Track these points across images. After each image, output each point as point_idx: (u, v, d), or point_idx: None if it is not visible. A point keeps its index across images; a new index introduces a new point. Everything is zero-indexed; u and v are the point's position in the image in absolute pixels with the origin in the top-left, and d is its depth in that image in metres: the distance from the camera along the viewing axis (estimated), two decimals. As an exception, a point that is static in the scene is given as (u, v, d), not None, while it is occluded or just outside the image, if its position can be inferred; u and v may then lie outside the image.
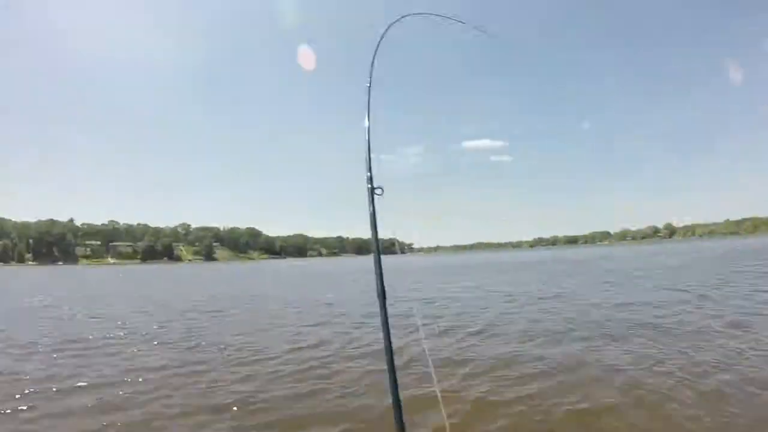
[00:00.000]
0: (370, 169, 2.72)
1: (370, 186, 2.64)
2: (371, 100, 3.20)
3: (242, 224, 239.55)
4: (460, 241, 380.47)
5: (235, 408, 7.15)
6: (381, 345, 9.05)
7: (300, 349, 11.32)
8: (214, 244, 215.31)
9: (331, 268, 76.85)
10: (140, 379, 8.97)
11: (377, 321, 10.56)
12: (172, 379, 8.84)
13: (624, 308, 15.55)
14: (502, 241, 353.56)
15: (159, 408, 7.23)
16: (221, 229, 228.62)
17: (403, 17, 4.04)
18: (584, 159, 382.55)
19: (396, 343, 11.23)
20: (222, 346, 11.85)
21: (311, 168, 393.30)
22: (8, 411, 7.22)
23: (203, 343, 12.55)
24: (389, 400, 6.71)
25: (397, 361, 9.28)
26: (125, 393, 8.03)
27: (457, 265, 68.72)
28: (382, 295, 2.76)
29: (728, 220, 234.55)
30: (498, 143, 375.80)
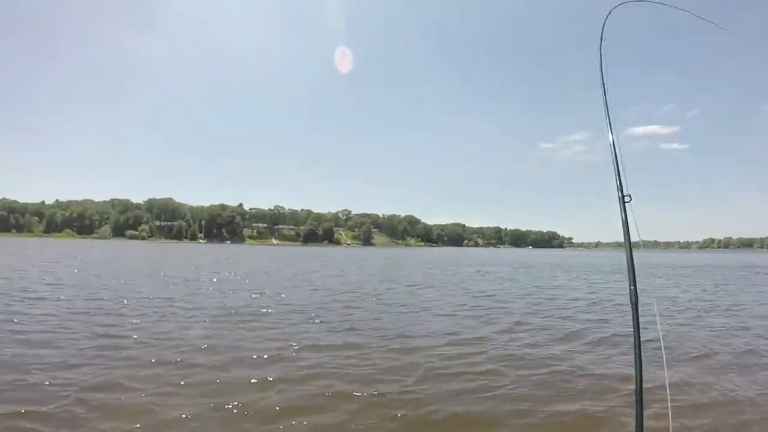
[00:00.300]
0: (619, 178, 2.64)
1: (620, 194, 2.57)
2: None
3: (402, 212, 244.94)
4: (622, 237, 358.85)
5: (389, 399, 7.07)
6: (543, 351, 8.68)
7: (459, 343, 11.06)
8: (373, 229, 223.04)
9: (488, 259, 75.96)
10: (294, 355, 9.31)
11: (538, 321, 10.32)
12: (329, 361, 8.97)
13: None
14: (670, 240, 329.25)
15: (315, 389, 7.30)
16: (381, 215, 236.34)
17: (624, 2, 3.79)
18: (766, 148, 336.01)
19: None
20: (380, 332, 11.98)
21: (472, 155, 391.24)
22: (161, 374, 7.64)
23: (361, 327, 12.74)
24: (544, 410, 6.37)
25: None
26: (281, 369, 8.24)
27: (618, 263, 64.75)
28: (635, 303, 2.55)
29: None
30: (669, 129, 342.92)
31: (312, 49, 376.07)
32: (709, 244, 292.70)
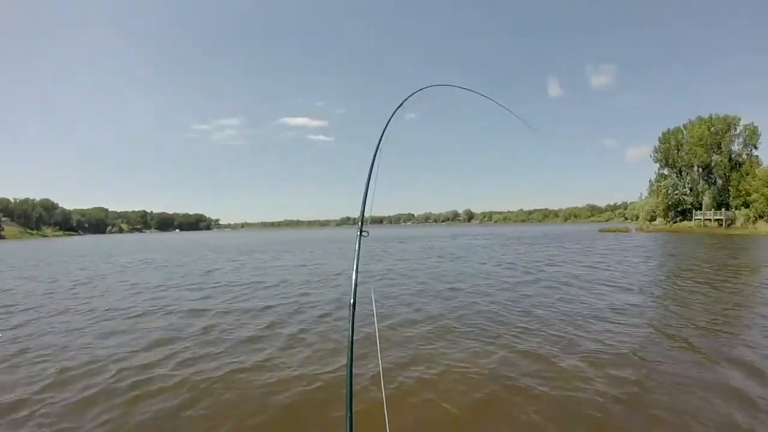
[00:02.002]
0: (362, 220, 3.06)
1: (359, 231, 3.00)
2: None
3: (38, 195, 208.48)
4: (268, 218, 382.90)
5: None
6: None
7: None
8: (3, 218, 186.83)
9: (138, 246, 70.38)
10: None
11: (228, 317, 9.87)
12: None
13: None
14: (311, 219, 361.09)
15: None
16: (11, 200, 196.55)
17: (422, 89, 4.25)
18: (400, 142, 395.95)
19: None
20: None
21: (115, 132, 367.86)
22: None
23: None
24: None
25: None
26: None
27: (271, 241, 67.16)
28: (353, 307, 2.85)
29: (521, 209, 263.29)
30: (317, 122, 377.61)
31: None
32: (346, 221, 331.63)
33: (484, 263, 24.06)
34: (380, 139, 3.57)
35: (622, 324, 10.43)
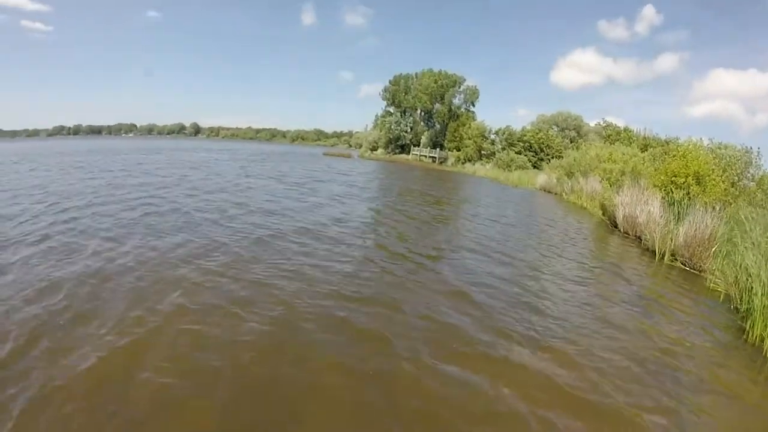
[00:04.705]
0: None
1: None
2: None
3: None
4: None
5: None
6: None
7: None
8: None
9: None
10: None
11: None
12: None
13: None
14: (17, 128, 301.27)
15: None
16: None
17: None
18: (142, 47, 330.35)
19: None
20: None
21: None
22: None
23: None
24: None
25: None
26: None
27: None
28: None
29: (251, 127, 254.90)
30: (35, 6, 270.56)
31: None
32: (59, 131, 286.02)
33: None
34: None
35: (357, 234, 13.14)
